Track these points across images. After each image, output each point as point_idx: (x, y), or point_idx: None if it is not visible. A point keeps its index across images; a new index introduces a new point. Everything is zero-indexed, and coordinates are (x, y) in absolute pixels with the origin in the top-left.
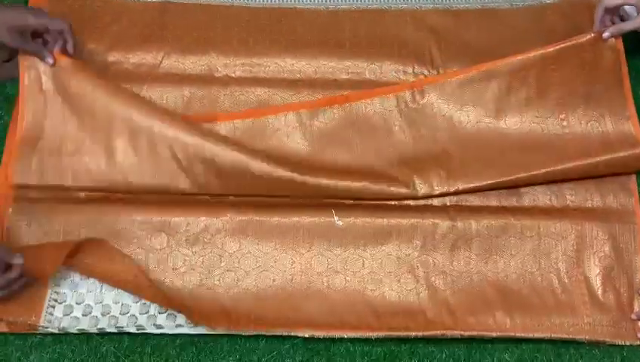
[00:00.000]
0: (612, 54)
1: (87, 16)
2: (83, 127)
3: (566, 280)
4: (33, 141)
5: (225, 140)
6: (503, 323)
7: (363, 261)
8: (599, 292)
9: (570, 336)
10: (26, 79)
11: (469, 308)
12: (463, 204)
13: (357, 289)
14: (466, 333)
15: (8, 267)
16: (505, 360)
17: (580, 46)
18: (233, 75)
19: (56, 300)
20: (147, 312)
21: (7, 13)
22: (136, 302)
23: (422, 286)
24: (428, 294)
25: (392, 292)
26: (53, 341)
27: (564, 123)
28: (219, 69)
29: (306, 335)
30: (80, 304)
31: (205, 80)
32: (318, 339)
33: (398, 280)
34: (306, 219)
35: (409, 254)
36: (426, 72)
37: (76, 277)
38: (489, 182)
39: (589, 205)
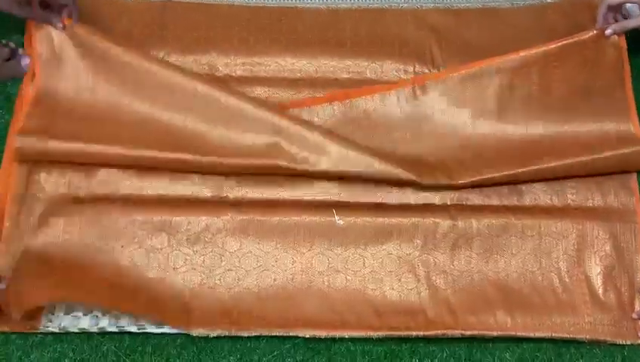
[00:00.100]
0: (614, 52)
1: (87, 16)
2: (96, 90)
3: (567, 280)
4: (46, 104)
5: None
6: (503, 323)
7: (364, 260)
8: (600, 291)
9: (571, 336)
10: (38, 45)
11: (470, 307)
12: (464, 203)
13: (358, 288)
14: (467, 333)
15: None
16: (506, 359)
17: (582, 43)
18: (234, 75)
19: None
20: None
21: None
22: None
23: (423, 285)
24: (429, 293)
25: (392, 292)
26: (54, 340)
27: (565, 120)
28: (219, 68)
29: (307, 335)
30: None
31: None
32: (319, 339)
33: (399, 280)
34: (307, 219)
35: (410, 253)
36: (426, 71)
37: None
38: (489, 176)
39: (590, 204)
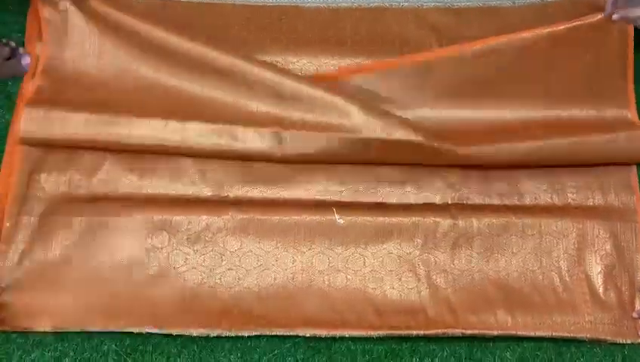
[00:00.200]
0: (620, 38)
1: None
2: (102, 57)
3: (567, 279)
4: (53, 74)
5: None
6: (504, 322)
7: (364, 259)
8: (600, 290)
9: (572, 335)
10: (46, 12)
11: (471, 306)
12: (465, 202)
13: (358, 287)
14: (468, 332)
15: None
16: (506, 358)
17: (588, 26)
18: None
19: None
20: None
21: None
22: None
23: (423, 284)
24: (429, 292)
25: (393, 291)
26: (55, 339)
27: (565, 103)
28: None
29: (308, 334)
30: None
31: None
32: (320, 338)
33: (400, 279)
34: (307, 218)
35: (410, 252)
36: None
37: None
38: (490, 148)
39: (591, 203)
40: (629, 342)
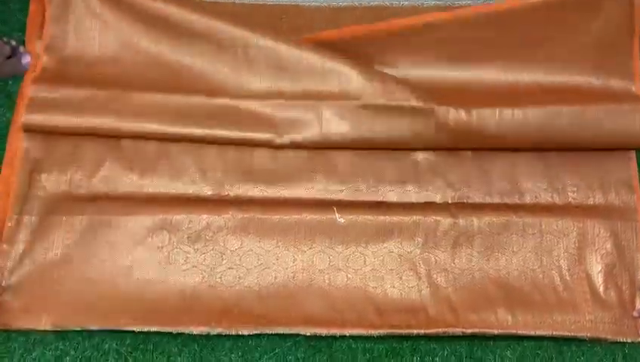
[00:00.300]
0: (628, 8)
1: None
2: (105, 31)
3: (568, 278)
4: (57, 51)
5: None
6: (504, 321)
7: (365, 258)
8: (601, 289)
9: (572, 334)
10: None
11: (471, 305)
12: (465, 201)
13: (359, 286)
14: (468, 331)
15: None
16: (507, 357)
17: None
18: None
19: None
20: None
21: None
22: None
23: (424, 283)
24: (430, 291)
25: (393, 290)
26: (56, 338)
27: (570, 70)
28: None
29: (308, 333)
30: None
31: None
32: (320, 337)
33: (400, 278)
34: (308, 217)
35: (411, 251)
36: None
37: None
38: (490, 111)
39: (591, 202)
40: (629, 340)
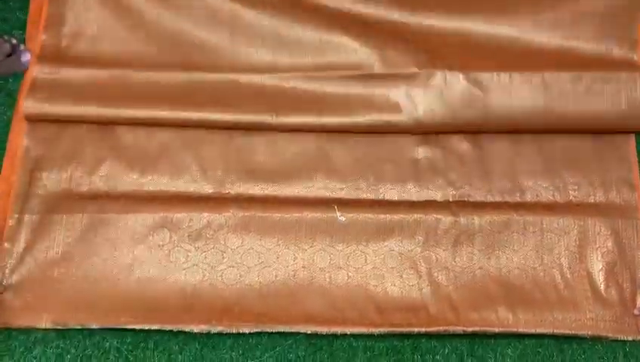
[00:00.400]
0: None
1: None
2: (104, 10)
3: (569, 276)
4: (56, 29)
5: None
6: (505, 319)
7: (365, 257)
8: (602, 287)
9: (573, 332)
10: None
11: (472, 303)
12: (466, 199)
13: (359, 284)
14: (469, 329)
15: None
16: (507, 355)
17: None
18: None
19: None
20: None
21: None
22: None
23: (424, 281)
24: (430, 290)
25: (394, 288)
26: (57, 336)
27: (574, 33)
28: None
29: (309, 331)
30: None
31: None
32: (321, 335)
33: (401, 276)
34: (309, 215)
35: (411, 250)
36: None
37: None
38: (488, 74)
39: (592, 200)
40: (630, 339)
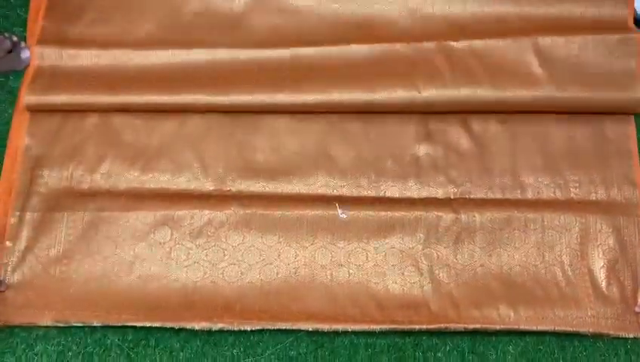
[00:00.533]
0: None
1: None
2: None
3: (570, 273)
4: (57, 11)
5: None
6: (506, 316)
7: (367, 254)
8: (603, 285)
9: (574, 329)
10: None
11: (473, 301)
12: (467, 196)
13: (361, 282)
14: (470, 326)
15: None
16: (509, 352)
17: None
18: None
19: None
20: None
21: None
22: None
23: (426, 279)
24: (432, 287)
25: (395, 286)
26: (58, 333)
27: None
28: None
29: (310, 328)
30: None
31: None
32: (322, 332)
33: (402, 273)
34: (310, 213)
35: (413, 247)
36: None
37: None
38: (480, 42)
39: (593, 198)
40: (631, 336)
